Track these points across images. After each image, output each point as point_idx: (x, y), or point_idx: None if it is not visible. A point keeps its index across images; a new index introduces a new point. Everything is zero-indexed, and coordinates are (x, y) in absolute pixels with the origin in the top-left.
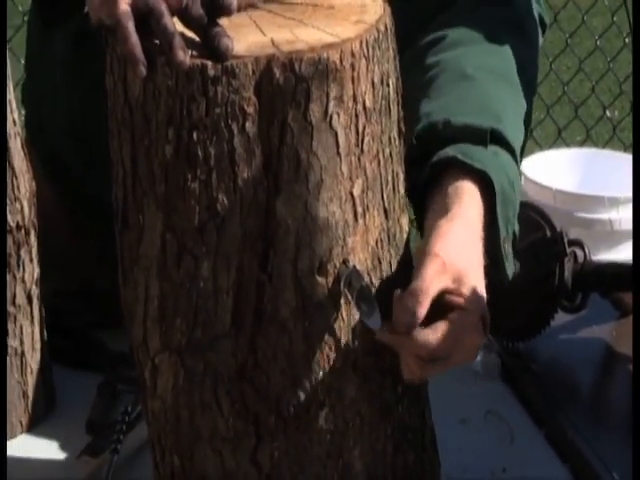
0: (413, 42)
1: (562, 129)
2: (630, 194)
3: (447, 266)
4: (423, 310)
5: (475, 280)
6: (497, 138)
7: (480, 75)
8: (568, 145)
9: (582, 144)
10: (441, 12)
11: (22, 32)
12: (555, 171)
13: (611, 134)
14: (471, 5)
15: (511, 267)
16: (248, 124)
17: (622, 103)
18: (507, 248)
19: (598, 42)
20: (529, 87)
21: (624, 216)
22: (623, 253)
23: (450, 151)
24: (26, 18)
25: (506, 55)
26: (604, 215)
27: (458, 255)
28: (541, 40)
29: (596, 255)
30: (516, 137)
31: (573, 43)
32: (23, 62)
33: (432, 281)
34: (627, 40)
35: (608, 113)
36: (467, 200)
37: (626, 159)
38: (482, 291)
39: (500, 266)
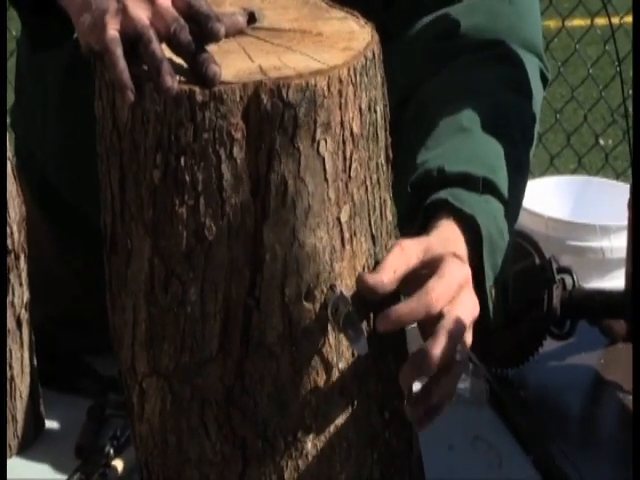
0: (417, 91)
1: (554, 157)
2: (621, 222)
3: (407, 247)
4: (385, 276)
5: (445, 244)
6: (490, 188)
7: (477, 128)
8: (560, 173)
9: (574, 172)
10: (451, 61)
11: (15, 57)
12: (547, 199)
13: (603, 162)
14: (478, 59)
15: (495, 316)
16: (236, 150)
17: (615, 131)
18: (493, 294)
19: (591, 70)
20: (527, 142)
21: (615, 244)
22: (614, 281)
23: (442, 194)
24: None
25: (505, 110)
26: (596, 243)
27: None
28: (543, 95)
29: (587, 283)
30: (510, 189)
31: (566, 71)
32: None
33: (392, 258)
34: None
35: (601, 141)
36: (448, 228)
37: (618, 187)
38: (455, 246)
39: (484, 312)
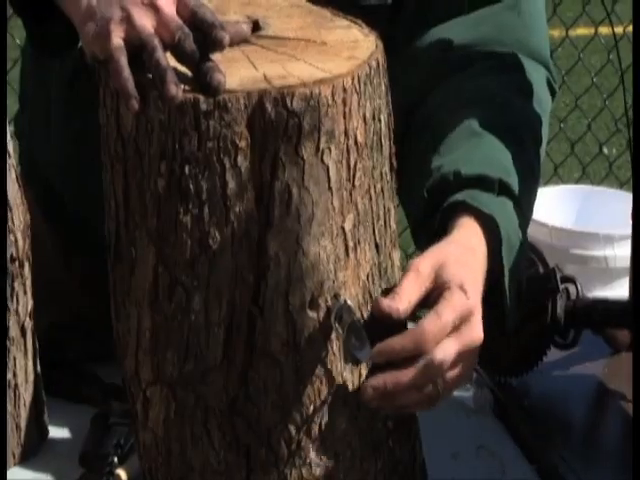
0: (424, 101)
1: (558, 166)
2: (625, 231)
3: (422, 268)
4: (401, 306)
5: (457, 267)
6: (505, 190)
7: (489, 132)
8: (564, 182)
9: (578, 181)
10: (459, 71)
11: (19, 65)
12: (551, 208)
13: (607, 171)
14: (486, 69)
15: (513, 316)
16: (240, 158)
17: (619, 140)
18: (512, 294)
19: (595, 79)
20: (537, 145)
21: (619, 253)
22: (618, 290)
23: (459, 196)
24: None
25: (513, 114)
26: (599, 252)
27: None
28: (551, 106)
29: (591, 292)
30: (523, 192)
31: (570, 81)
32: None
33: (408, 285)
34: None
35: (605, 150)
36: (469, 230)
37: (622, 196)
38: (468, 275)
39: (503, 311)
